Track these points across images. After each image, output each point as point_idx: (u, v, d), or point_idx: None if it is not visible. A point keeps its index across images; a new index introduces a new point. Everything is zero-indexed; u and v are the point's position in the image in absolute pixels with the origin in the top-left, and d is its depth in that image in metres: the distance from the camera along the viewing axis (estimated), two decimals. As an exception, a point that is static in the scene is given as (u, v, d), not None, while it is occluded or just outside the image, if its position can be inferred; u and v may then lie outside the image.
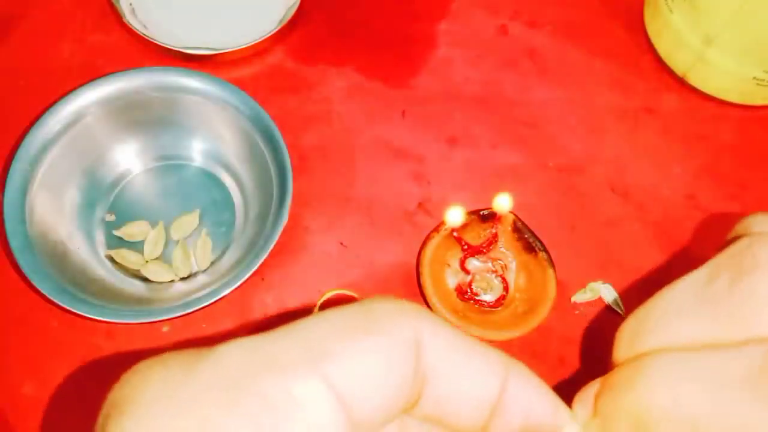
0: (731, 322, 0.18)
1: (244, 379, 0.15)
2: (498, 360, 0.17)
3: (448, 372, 0.16)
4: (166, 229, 0.42)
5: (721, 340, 0.18)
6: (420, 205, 0.43)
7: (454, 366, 0.16)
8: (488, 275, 0.40)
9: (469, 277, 0.40)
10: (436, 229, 0.39)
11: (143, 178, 0.43)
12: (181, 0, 0.48)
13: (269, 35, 0.46)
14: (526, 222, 0.39)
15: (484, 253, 0.40)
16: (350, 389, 0.15)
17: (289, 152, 0.39)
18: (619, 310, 0.40)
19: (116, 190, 0.43)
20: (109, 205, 0.42)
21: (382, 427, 0.16)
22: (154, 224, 0.42)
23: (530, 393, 0.17)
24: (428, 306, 0.38)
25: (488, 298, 0.40)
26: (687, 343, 0.18)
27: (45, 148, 0.39)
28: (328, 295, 0.40)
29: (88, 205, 0.41)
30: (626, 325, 0.21)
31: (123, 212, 0.42)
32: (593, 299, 0.41)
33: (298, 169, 0.40)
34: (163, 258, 0.41)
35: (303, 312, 0.40)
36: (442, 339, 0.16)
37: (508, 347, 0.40)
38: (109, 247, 0.41)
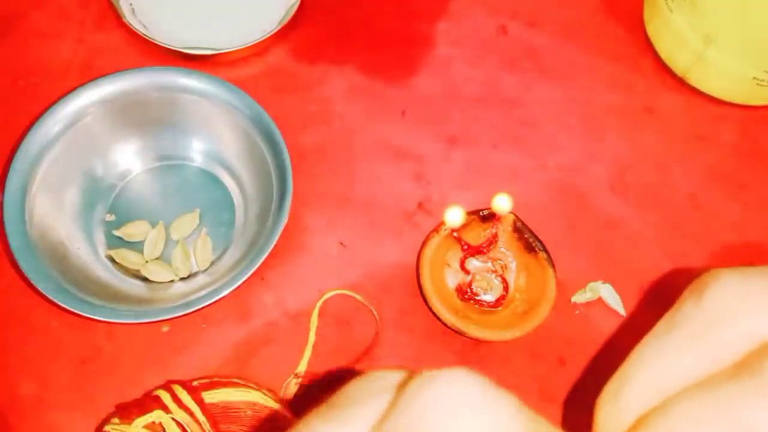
0: (705, 330, 0.17)
1: None
2: None
3: None
4: (166, 229, 0.42)
5: (707, 363, 0.17)
6: (420, 205, 0.43)
7: None
8: (488, 275, 0.40)
9: (469, 277, 0.40)
10: (436, 229, 0.39)
11: (143, 178, 0.43)
12: (181, 0, 0.48)
13: (269, 35, 0.46)
14: (526, 222, 0.39)
15: (484, 253, 0.40)
16: None
17: (289, 152, 0.39)
18: (619, 310, 0.40)
19: (116, 190, 0.43)
20: (109, 205, 0.42)
21: None
22: (154, 224, 0.42)
23: None
24: (428, 306, 0.38)
25: (488, 298, 0.40)
26: (678, 384, 0.17)
27: (45, 148, 0.39)
28: (328, 295, 0.40)
29: (88, 205, 0.41)
30: (606, 393, 0.19)
31: (123, 212, 0.42)
32: (593, 299, 0.41)
33: (298, 169, 0.40)
34: (163, 258, 0.41)
35: (303, 312, 0.40)
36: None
37: (508, 347, 0.40)
38: (109, 247, 0.41)
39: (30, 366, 0.38)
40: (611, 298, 0.41)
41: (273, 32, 0.46)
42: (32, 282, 0.36)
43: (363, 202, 0.43)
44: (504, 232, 0.39)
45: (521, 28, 0.49)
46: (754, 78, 0.43)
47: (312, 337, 0.39)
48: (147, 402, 0.35)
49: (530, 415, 0.15)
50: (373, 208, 0.43)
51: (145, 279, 0.40)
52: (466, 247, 0.40)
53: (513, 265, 0.40)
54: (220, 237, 0.42)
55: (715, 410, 0.16)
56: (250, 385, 0.36)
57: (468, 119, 0.46)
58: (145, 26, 0.47)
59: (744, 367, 0.16)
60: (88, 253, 0.40)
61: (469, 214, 0.38)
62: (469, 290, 0.39)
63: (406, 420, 0.14)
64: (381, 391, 0.16)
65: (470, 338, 0.38)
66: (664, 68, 0.48)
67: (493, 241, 0.40)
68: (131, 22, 0.46)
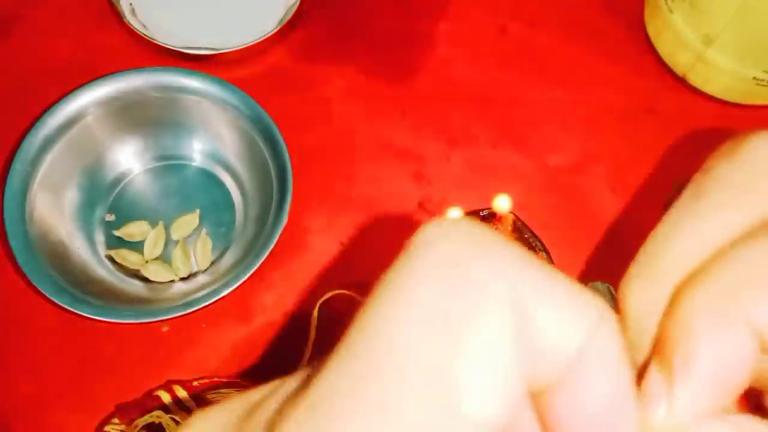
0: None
1: None
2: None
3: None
4: (166, 229, 0.42)
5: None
6: (420, 204, 0.43)
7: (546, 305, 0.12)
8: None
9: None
10: (436, 229, 0.39)
11: (143, 178, 0.43)
12: (181, 0, 0.48)
13: (269, 35, 0.46)
14: (526, 222, 0.39)
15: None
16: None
17: (289, 152, 0.39)
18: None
19: (116, 190, 0.43)
20: (109, 205, 0.42)
21: None
22: (154, 224, 0.42)
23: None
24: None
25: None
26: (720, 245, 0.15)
27: (45, 149, 0.39)
28: (328, 295, 0.40)
29: (88, 205, 0.41)
30: (632, 271, 0.17)
31: (123, 212, 0.42)
32: (593, 299, 0.41)
33: (298, 169, 0.40)
34: (163, 258, 0.41)
35: (302, 312, 0.40)
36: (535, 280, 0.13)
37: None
38: (109, 247, 0.41)
39: (30, 366, 0.38)
40: (612, 299, 0.41)
41: (273, 32, 0.46)
42: (32, 282, 0.36)
43: (363, 202, 0.43)
44: (504, 232, 0.39)
45: (521, 29, 0.49)
46: (754, 78, 0.43)
47: (312, 337, 0.39)
48: (147, 402, 0.35)
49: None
50: (374, 208, 0.43)
51: (145, 279, 0.40)
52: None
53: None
54: (220, 237, 0.42)
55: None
56: (250, 385, 0.36)
57: (468, 119, 0.46)
58: (145, 26, 0.47)
59: None
60: (88, 253, 0.40)
61: (469, 214, 0.38)
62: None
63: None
64: None
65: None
66: (664, 68, 0.48)
67: (493, 241, 0.39)
68: (131, 22, 0.46)
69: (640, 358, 0.16)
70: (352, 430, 0.11)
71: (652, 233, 0.17)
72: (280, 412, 0.12)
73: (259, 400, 0.13)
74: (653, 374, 0.15)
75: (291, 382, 0.13)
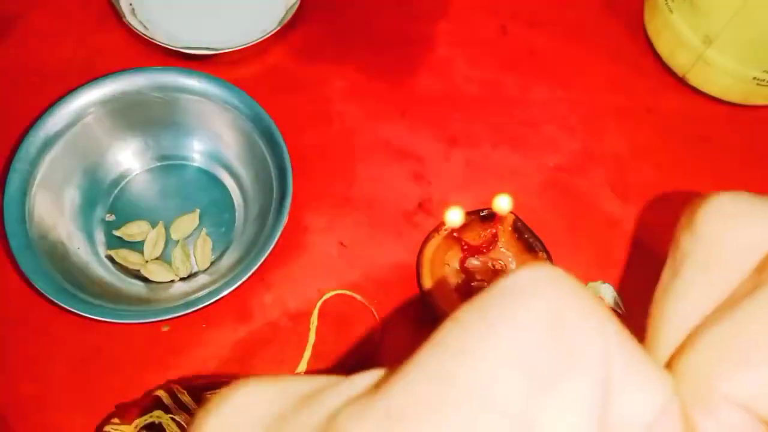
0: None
1: None
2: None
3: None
4: (166, 229, 0.42)
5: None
6: (420, 205, 0.43)
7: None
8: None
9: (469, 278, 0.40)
10: (437, 229, 0.39)
11: (143, 178, 0.43)
12: (181, 0, 0.48)
13: (269, 35, 0.46)
14: (526, 222, 0.39)
15: (484, 254, 0.40)
16: None
17: (289, 152, 0.39)
18: (618, 310, 0.40)
19: (116, 190, 0.43)
20: (109, 205, 0.42)
21: None
22: (154, 224, 0.42)
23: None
24: (428, 306, 0.38)
25: (488, 298, 0.39)
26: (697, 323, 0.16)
27: (45, 148, 0.39)
28: (328, 295, 0.40)
29: (88, 205, 0.41)
30: None
31: (123, 212, 0.42)
32: (593, 299, 0.41)
33: (298, 169, 0.40)
34: (163, 258, 0.41)
35: (302, 312, 0.40)
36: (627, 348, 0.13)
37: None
38: (110, 247, 0.41)
39: (30, 366, 0.38)
40: (611, 298, 0.41)
41: (273, 32, 0.46)
42: (32, 282, 0.36)
43: (363, 202, 0.43)
44: (504, 232, 0.39)
45: (521, 29, 0.49)
46: (754, 78, 0.43)
47: (312, 337, 0.39)
48: (147, 402, 0.35)
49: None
50: (373, 208, 0.43)
51: (145, 279, 0.40)
52: (466, 247, 0.40)
53: (513, 266, 0.40)
54: (220, 237, 0.42)
55: (736, 335, 0.14)
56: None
57: (468, 119, 0.46)
58: (145, 26, 0.47)
59: (753, 284, 0.15)
60: (88, 253, 0.40)
61: (469, 214, 0.38)
62: (469, 290, 0.39)
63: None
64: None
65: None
66: (664, 68, 0.48)
67: (493, 241, 0.40)
68: (131, 22, 0.46)
69: None
70: None
71: (651, 309, 0.17)
72: (346, 410, 0.12)
73: (312, 392, 0.13)
74: None
75: (357, 382, 0.13)
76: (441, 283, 0.39)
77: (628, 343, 0.13)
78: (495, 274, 0.40)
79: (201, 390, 0.35)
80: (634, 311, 0.41)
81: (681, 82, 0.47)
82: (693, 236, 0.17)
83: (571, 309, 0.13)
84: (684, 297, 0.16)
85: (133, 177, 0.43)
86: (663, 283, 0.17)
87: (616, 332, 0.13)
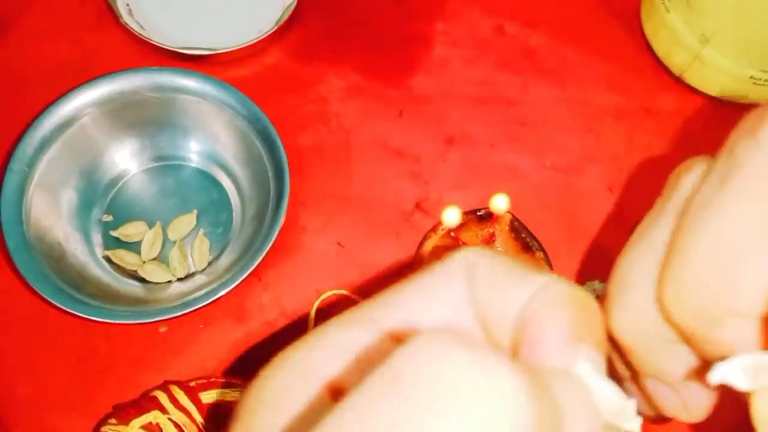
0: None
1: None
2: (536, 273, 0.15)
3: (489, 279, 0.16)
4: (164, 230, 0.42)
5: None
6: (417, 204, 0.43)
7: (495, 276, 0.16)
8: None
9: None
10: (434, 229, 0.39)
11: (140, 179, 0.43)
12: (178, 0, 0.48)
13: (266, 35, 0.46)
14: (524, 222, 0.39)
15: (482, 253, 0.40)
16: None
17: (286, 152, 0.39)
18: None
19: (113, 191, 0.43)
20: (106, 206, 0.42)
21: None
22: (151, 225, 0.42)
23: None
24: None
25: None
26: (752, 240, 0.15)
27: (42, 149, 0.39)
28: (326, 295, 0.40)
29: (85, 205, 0.41)
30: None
31: (120, 213, 0.42)
32: (591, 299, 0.41)
33: (295, 170, 0.40)
34: (161, 258, 0.41)
35: (300, 312, 0.40)
36: (489, 259, 0.16)
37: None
38: (107, 247, 0.41)
39: (27, 367, 0.38)
40: (609, 298, 0.41)
41: (270, 32, 0.46)
42: (29, 283, 0.36)
43: (360, 202, 0.43)
44: (501, 231, 0.39)
45: (518, 28, 0.49)
46: (751, 77, 0.43)
47: (309, 338, 0.39)
48: (144, 402, 0.35)
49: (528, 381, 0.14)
50: (371, 208, 0.43)
51: (142, 279, 0.40)
52: (463, 246, 0.39)
53: (510, 265, 0.40)
54: (217, 237, 0.42)
55: None
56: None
57: (465, 119, 0.46)
58: (142, 27, 0.47)
59: None
60: (86, 254, 0.40)
61: (467, 213, 0.38)
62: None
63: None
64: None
65: (468, 338, 0.38)
66: (661, 67, 0.48)
67: (490, 240, 0.40)
68: (128, 22, 0.46)
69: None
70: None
71: (680, 226, 0.17)
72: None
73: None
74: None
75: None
76: (438, 283, 0.39)
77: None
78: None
79: (198, 390, 0.35)
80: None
81: (678, 81, 0.47)
82: (757, 145, 0.15)
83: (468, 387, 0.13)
84: (737, 209, 0.15)
85: (130, 177, 0.43)
86: (703, 195, 0.17)
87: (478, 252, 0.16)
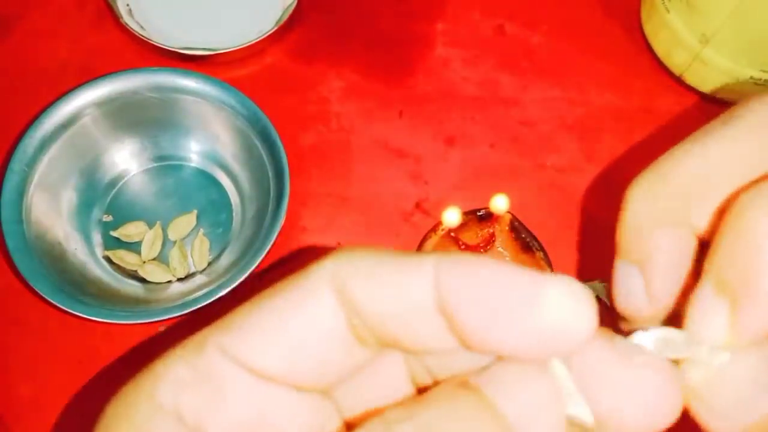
0: None
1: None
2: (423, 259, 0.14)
3: (373, 291, 0.14)
4: (164, 230, 0.42)
5: None
6: (417, 205, 0.43)
7: (377, 283, 0.14)
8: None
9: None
10: (434, 229, 0.39)
11: (140, 179, 0.43)
12: (178, 0, 0.48)
13: (266, 35, 0.46)
14: (524, 222, 0.39)
15: (482, 253, 0.40)
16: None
17: (286, 152, 0.39)
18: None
19: (113, 191, 0.43)
20: (106, 206, 0.42)
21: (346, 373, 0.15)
22: (151, 225, 0.42)
23: (476, 281, 0.13)
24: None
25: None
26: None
27: (42, 149, 0.39)
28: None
29: (86, 205, 0.41)
30: (642, 181, 0.18)
31: (120, 213, 0.42)
32: (591, 299, 0.41)
33: (295, 170, 0.40)
34: (161, 258, 0.41)
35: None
36: (360, 261, 0.15)
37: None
38: (107, 247, 0.41)
39: (27, 367, 0.38)
40: (608, 297, 0.41)
41: (270, 32, 0.46)
42: (29, 283, 0.36)
43: (361, 202, 0.43)
44: (501, 232, 0.39)
45: (518, 29, 0.49)
46: (751, 77, 0.44)
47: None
48: (144, 403, 0.35)
49: None
50: (371, 208, 0.43)
51: (142, 279, 0.40)
52: (463, 247, 0.40)
53: (510, 265, 0.40)
54: (217, 237, 0.42)
55: None
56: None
57: (465, 119, 0.46)
58: (142, 27, 0.47)
59: None
60: (86, 254, 0.40)
61: (467, 214, 0.38)
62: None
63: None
64: None
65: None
66: (661, 68, 0.48)
67: (490, 241, 0.40)
68: (128, 22, 0.46)
69: (633, 257, 0.17)
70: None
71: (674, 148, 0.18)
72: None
73: None
74: (709, 296, 0.15)
75: None
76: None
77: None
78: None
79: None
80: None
81: (678, 81, 0.47)
82: (761, 100, 0.17)
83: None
84: (742, 140, 0.16)
85: (130, 178, 0.43)
86: (705, 130, 0.17)
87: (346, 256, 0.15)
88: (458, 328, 0.14)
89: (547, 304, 0.13)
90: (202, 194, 0.43)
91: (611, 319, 0.43)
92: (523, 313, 0.13)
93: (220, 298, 0.36)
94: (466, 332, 0.13)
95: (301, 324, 0.14)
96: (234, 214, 0.42)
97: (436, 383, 0.16)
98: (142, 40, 0.45)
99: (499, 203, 0.36)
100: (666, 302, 0.17)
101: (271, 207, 0.39)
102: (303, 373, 0.14)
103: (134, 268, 0.41)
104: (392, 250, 0.15)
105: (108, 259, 0.41)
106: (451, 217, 0.36)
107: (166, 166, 0.43)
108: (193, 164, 0.43)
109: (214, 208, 0.43)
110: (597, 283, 0.41)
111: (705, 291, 0.15)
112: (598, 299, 0.41)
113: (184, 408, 0.14)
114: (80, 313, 0.35)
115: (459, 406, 0.13)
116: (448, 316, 0.14)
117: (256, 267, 0.37)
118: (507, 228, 0.39)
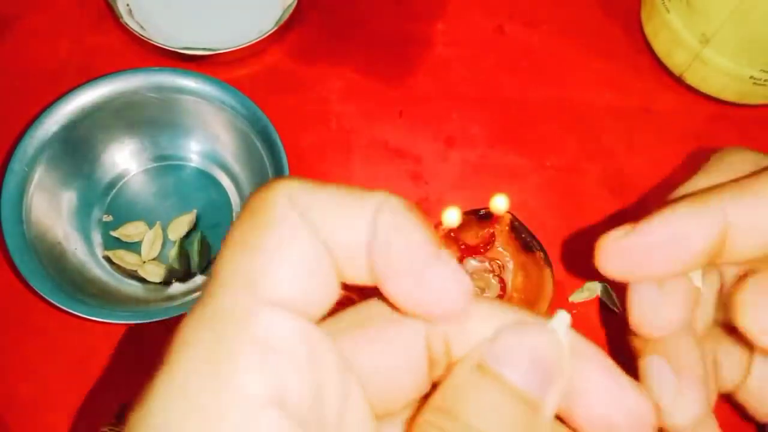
0: None
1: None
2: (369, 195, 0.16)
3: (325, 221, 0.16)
4: (164, 230, 0.42)
5: None
6: (417, 204, 0.43)
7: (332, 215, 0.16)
8: (485, 275, 0.40)
9: (466, 277, 0.40)
10: (434, 229, 0.39)
11: (140, 179, 0.43)
12: (178, 0, 0.48)
13: (266, 35, 0.46)
14: (524, 222, 0.39)
15: (482, 253, 0.40)
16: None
17: (286, 152, 0.39)
18: (615, 309, 0.40)
19: (113, 191, 0.43)
20: (106, 206, 0.42)
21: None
22: (151, 225, 0.42)
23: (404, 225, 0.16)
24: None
25: (485, 297, 0.40)
26: None
27: (42, 149, 0.39)
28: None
29: (86, 205, 0.41)
30: None
31: (120, 213, 0.42)
32: (590, 298, 0.41)
33: (295, 170, 0.40)
34: (161, 258, 0.41)
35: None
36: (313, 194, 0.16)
37: (505, 347, 0.39)
38: (107, 247, 0.41)
39: (27, 367, 0.38)
40: (608, 298, 0.41)
41: (270, 32, 0.46)
42: (29, 283, 0.36)
43: (360, 202, 0.43)
44: (501, 232, 0.39)
45: (518, 28, 0.49)
46: (751, 77, 0.44)
47: (309, 338, 0.39)
48: (144, 402, 0.35)
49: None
50: (371, 208, 0.43)
51: (142, 279, 0.40)
52: (463, 247, 0.40)
53: (510, 265, 0.40)
54: (217, 237, 0.42)
55: None
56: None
57: (465, 119, 0.46)
58: (142, 27, 0.47)
59: None
60: (86, 254, 0.40)
61: (467, 214, 0.38)
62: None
63: None
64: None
65: (468, 338, 0.38)
66: (661, 68, 0.48)
67: (490, 241, 0.40)
68: (128, 23, 0.46)
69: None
70: None
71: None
72: None
73: None
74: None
75: None
76: (438, 283, 0.39)
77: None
78: (491, 273, 0.40)
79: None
80: (632, 311, 0.41)
81: (678, 81, 0.47)
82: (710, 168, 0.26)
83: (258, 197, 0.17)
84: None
85: (130, 178, 0.43)
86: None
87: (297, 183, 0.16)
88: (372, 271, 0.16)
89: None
90: (202, 194, 0.43)
91: (611, 319, 0.43)
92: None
93: (220, 298, 0.36)
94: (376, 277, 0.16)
95: (298, 252, 0.16)
96: (234, 214, 0.42)
97: (448, 354, 0.17)
98: (142, 40, 0.45)
99: (499, 203, 0.36)
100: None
101: (271, 207, 0.39)
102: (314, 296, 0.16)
103: (134, 268, 0.41)
104: (336, 184, 0.16)
105: (108, 259, 0.41)
106: (451, 217, 0.36)
107: (165, 166, 0.43)
108: (193, 164, 0.44)
109: (213, 208, 0.43)
110: (597, 283, 0.41)
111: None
112: (599, 299, 0.41)
113: None
114: (80, 313, 0.35)
115: (487, 399, 0.15)
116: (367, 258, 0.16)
117: (256, 267, 0.37)
118: (507, 228, 0.39)
